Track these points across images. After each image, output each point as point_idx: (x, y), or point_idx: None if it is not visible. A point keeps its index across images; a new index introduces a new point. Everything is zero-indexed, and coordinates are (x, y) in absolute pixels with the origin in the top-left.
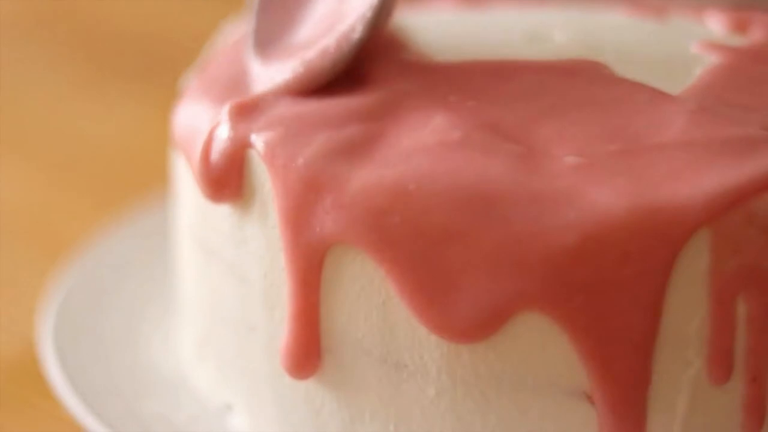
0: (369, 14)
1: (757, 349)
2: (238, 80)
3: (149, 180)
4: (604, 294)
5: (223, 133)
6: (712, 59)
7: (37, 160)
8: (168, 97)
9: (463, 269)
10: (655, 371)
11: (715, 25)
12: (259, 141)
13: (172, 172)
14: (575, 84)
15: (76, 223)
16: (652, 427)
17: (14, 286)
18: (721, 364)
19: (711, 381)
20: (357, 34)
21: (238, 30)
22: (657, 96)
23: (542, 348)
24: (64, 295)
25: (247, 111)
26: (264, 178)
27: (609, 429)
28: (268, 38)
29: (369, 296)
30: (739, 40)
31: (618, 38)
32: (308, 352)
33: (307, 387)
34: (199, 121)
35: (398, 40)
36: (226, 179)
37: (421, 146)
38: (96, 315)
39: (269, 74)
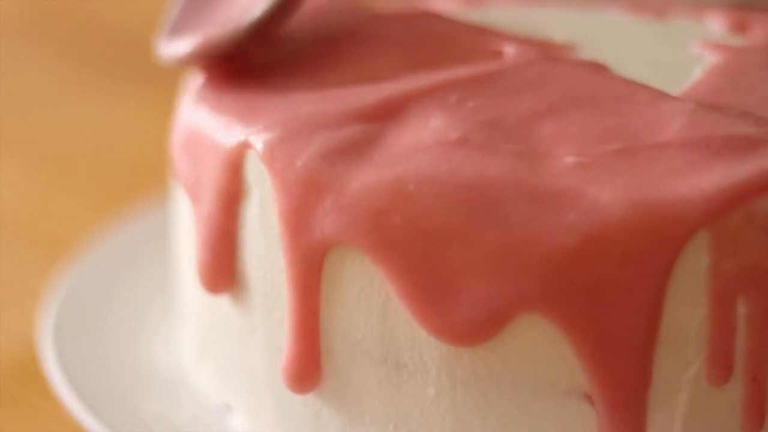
0: None
1: (757, 349)
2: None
3: (149, 180)
4: (604, 295)
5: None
6: (712, 59)
7: (37, 160)
8: (168, 97)
9: (462, 270)
10: (655, 371)
11: (715, 25)
12: (258, 142)
13: (170, 174)
14: (575, 83)
15: (76, 223)
16: (652, 427)
17: (14, 286)
18: (721, 364)
19: (711, 381)
20: (257, 11)
21: None
22: (657, 96)
23: (542, 349)
24: (64, 295)
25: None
26: (263, 179)
27: (609, 429)
28: (186, 24)
29: (369, 297)
30: (739, 40)
31: (618, 38)
32: (309, 366)
33: None
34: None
35: (398, 40)
36: (219, 276)
37: (420, 146)
38: (96, 315)
39: (172, 48)
